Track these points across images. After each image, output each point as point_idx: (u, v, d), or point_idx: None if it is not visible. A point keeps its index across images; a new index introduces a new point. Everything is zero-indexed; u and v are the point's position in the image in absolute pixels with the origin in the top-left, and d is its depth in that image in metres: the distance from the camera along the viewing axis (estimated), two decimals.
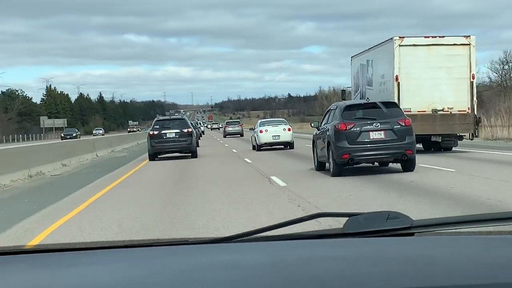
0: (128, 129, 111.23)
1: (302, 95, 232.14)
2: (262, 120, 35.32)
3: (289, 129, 31.16)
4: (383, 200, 10.05)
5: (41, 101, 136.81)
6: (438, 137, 21.49)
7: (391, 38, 21.83)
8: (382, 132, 14.52)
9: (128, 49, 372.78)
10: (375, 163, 15.37)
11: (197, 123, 77.89)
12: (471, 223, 1.57)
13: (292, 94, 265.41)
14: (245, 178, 15.84)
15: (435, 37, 21.77)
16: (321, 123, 16.58)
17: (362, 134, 14.45)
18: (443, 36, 21.78)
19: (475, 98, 21.60)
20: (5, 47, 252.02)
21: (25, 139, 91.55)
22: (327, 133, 15.12)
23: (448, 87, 21.03)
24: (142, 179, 17.27)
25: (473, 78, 21.34)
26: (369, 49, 25.61)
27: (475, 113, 21.46)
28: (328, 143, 14.93)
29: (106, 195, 13.52)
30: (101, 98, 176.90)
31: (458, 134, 21.79)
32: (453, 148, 22.29)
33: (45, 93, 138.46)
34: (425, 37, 21.99)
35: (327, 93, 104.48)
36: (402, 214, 1.49)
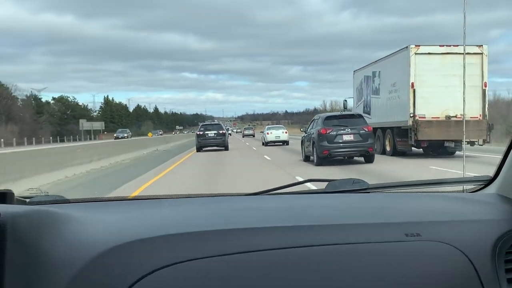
0: (115, 135, 64.86)
1: (294, 111, 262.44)
2: (269, 126, 38.11)
3: (285, 132, 33.80)
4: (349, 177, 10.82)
5: (99, 108, 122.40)
6: (451, 142, 16.89)
7: (407, 47, 17.09)
8: (352, 135, 14.94)
9: (184, 82, 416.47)
10: (346, 157, 15.68)
11: (227, 128, 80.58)
12: (406, 186, 1.68)
13: (288, 111, 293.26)
14: (254, 158, 19.16)
15: (449, 46, 16.90)
16: (307, 128, 17.10)
17: (337, 137, 14.87)
18: (457, 45, 16.82)
19: (487, 105, 17.05)
20: (108, 79, 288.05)
21: (59, 141, 64.96)
22: (312, 136, 15.56)
23: (461, 94, 15.94)
24: (198, 158, 21.49)
25: (485, 86, 16.91)
26: (376, 61, 20.82)
27: (487, 119, 16.83)
28: (313, 143, 15.38)
29: (186, 160, 20.27)
30: (156, 109, 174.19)
31: (470, 140, 16.63)
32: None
33: (102, 101, 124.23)
34: (439, 45, 16.97)
35: (327, 109, 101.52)
36: (362, 180, 1.59)
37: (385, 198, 1.51)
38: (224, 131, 27.35)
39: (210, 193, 1.67)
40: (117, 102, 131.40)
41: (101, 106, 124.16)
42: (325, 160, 14.93)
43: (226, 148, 26.90)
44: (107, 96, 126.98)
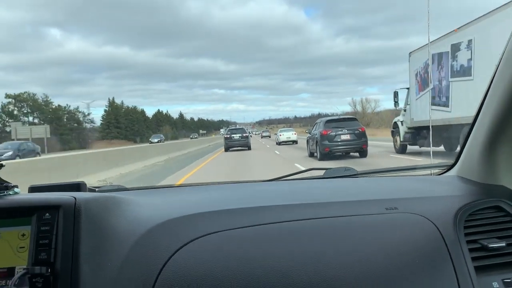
0: (150, 140, 52.14)
1: (302, 116, 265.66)
2: (281, 129, 38.45)
3: (295, 134, 34.06)
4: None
5: (104, 112, 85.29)
6: None
7: None
8: (348, 135, 14.93)
9: (214, 96, 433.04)
10: (344, 153, 15.56)
11: (248, 131, 77.88)
12: (387, 171, 1.67)
13: (297, 116, 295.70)
14: (269, 156, 19.24)
15: None
16: (311, 130, 17.19)
17: (336, 136, 14.88)
18: None
19: None
20: (156, 96, 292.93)
21: None
22: (316, 136, 15.60)
23: None
24: (228, 155, 22.16)
25: None
26: (460, 27, 11.27)
27: None
28: (316, 142, 15.44)
29: (217, 156, 21.24)
30: (181, 115, 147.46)
31: None
32: None
33: (107, 104, 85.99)
34: None
35: (357, 107, 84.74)
36: (352, 168, 1.61)
37: (370, 181, 1.52)
38: (247, 134, 27.23)
39: (235, 180, 1.69)
40: (130, 106, 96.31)
41: (105, 110, 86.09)
42: (326, 156, 14.91)
43: (249, 148, 26.86)
44: (113, 99, 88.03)
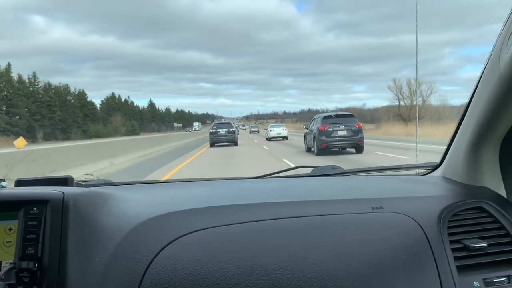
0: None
1: (292, 112, 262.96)
2: (271, 124, 37.26)
3: (285, 129, 32.80)
4: (340, 164, 10.95)
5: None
6: None
7: None
8: (345, 131, 14.98)
9: (202, 90, 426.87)
10: (340, 148, 15.57)
11: (236, 126, 73.14)
12: (373, 171, 1.68)
13: (286, 111, 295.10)
14: (257, 151, 19.38)
15: None
16: (309, 126, 17.25)
17: (333, 132, 14.93)
18: None
19: None
20: (143, 89, 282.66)
21: None
22: (313, 131, 15.62)
23: None
24: (212, 151, 21.50)
25: None
26: None
27: None
28: (314, 137, 15.45)
29: (203, 152, 20.27)
30: (151, 104, 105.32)
31: None
32: None
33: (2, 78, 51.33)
34: None
35: (402, 87, 77.12)
36: (339, 166, 1.60)
37: (356, 180, 1.53)
38: (233, 129, 26.24)
39: (223, 177, 1.68)
40: (56, 84, 63.92)
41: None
42: (324, 151, 14.98)
43: (236, 144, 26.00)
44: (8, 65, 52.06)
